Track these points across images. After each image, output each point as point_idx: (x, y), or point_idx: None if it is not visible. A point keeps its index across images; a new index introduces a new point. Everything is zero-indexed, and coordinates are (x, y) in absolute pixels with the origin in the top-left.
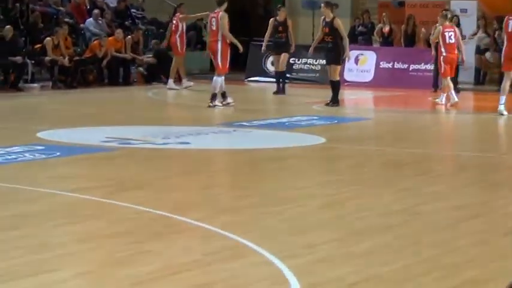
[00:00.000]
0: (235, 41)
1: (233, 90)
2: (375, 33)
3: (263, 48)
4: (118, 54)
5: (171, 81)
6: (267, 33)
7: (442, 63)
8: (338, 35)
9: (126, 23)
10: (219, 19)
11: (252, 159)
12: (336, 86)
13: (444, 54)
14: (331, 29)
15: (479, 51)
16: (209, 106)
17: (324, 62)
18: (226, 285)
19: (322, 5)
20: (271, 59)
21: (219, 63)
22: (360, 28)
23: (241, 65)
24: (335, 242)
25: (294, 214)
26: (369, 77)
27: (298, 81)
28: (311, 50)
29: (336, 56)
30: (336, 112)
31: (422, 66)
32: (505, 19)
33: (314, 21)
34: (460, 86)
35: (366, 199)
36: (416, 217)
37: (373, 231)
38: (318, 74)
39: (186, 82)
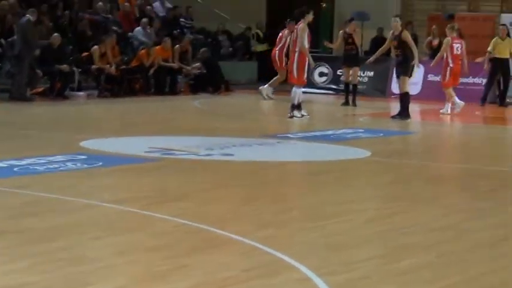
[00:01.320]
0: (309, 56)
1: (279, 102)
2: (424, 45)
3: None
4: (165, 64)
5: (270, 89)
6: (335, 45)
7: (447, 74)
8: (407, 48)
9: (175, 32)
10: (298, 31)
11: (295, 172)
12: (404, 99)
13: (451, 65)
14: (400, 42)
15: None
16: (289, 117)
17: (372, 74)
18: None
19: (393, 18)
20: (319, 70)
21: (295, 75)
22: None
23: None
24: (377, 259)
25: (336, 229)
26: (416, 89)
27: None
28: (372, 59)
29: (405, 69)
30: (383, 125)
31: (470, 80)
32: None
33: (363, 32)
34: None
35: (410, 215)
36: (461, 234)
37: (417, 249)
38: (365, 86)
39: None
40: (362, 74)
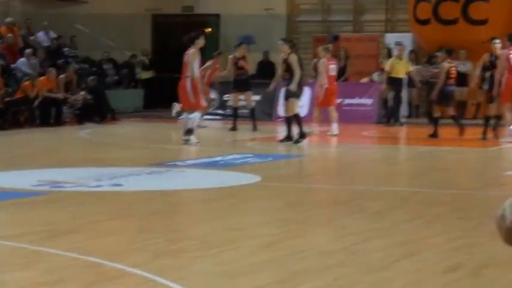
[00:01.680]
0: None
1: (166, 129)
2: (310, 67)
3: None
4: (50, 94)
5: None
6: (226, 72)
7: (323, 93)
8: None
9: (59, 62)
10: (189, 56)
11: (186, 200)
12: (292, 121)
13: (326, 85)
14: (287, 65)
15: (412, 84)
16: (183, 141)
17: (258, 97)
18: None
19: (280, 42)
20: None
21: (193, 100)
22: None
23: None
24: (274, 285)
25: (231, 256)
26: (303, 112)
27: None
28: (272, 87)
29: (293, 91)
30: (271, 150)
31: (357, 100)
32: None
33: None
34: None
35: (305, 239)
36: (356, 256)
37: (313, 273)
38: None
39: None
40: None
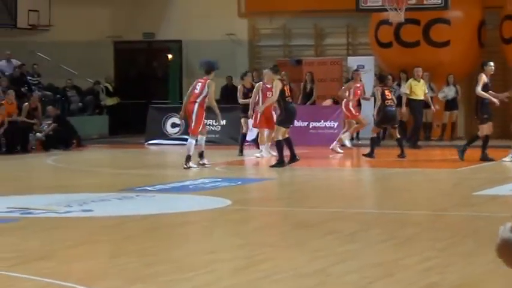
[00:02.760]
0: (217, 111)
1: (133, 154)
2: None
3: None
4: (17, 118)
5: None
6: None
7: (259, 116)
8: (281, 98)
9: (22, 89)
10: (206, 85)
11: (158, 224)
12: (279, 146)
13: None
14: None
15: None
16: (184, 168)
17: (224, 122)
18: None
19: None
20: (171, 121)
21: (192, 125)
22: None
23: (141, 127)
24: None
25: (205, 280)
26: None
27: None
28: (250, 113)
29: (278, 117)
30: (239, 173)
31: (322, 124)
32: None
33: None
34: (360, 141)
35: (278, 262)
36: (330, 278)
37: None
38: (218, 135)
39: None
40: (214, 123)
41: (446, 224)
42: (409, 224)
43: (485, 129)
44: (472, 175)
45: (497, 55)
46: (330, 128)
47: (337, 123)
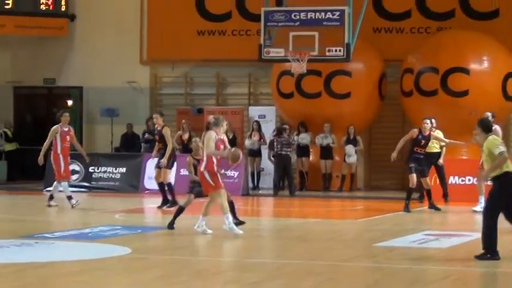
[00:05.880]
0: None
1: (32, 201)
2: (174, 140)
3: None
4: None
5: None
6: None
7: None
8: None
9: None
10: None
11: (58, 272)
12: (168, 188)
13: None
14: (160, 137)
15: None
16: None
17: (124, 170)
18: None
19: (155, 115)
20: (70, 167)
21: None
22: (147, 136)
23: (40, 174)
24: None
25: None
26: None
27: (98, 190)
28: (164, 161)
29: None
30: (140, 221)
31: (224, 173)
32: None
33: (113, 130)
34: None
35: None
36: None
37: None
38: (117, 183)
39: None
40: (114, 171)
41: (347, 275)
42: (310, 274)
43: (412, 179)
44: (372, 226)
45: (398, 107)
46: (231, 177)
47: (238, 172)
